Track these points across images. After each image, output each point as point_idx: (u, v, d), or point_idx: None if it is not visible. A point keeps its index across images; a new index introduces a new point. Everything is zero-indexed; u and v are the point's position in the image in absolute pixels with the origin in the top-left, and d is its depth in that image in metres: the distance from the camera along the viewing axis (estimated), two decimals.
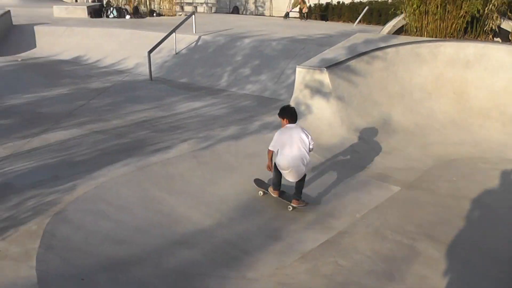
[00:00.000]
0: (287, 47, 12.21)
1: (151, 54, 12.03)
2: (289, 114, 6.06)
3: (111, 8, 21.33)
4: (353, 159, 7.74)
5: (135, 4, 22.17)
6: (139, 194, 5.83)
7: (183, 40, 13.56)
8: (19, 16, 18.50)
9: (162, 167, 6.55)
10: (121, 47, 14.60)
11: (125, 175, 6.17)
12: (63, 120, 8.46)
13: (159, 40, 12.61)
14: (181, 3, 25.57)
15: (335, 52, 9.72)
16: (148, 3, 22.75)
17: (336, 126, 8.41)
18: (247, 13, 26.74)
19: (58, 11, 21.22)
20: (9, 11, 17.47)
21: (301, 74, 8.93)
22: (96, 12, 21.14)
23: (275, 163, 6.02)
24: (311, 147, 5.91)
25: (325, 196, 6.51)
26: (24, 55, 14.81)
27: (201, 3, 28.20)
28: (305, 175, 6.05)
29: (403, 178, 7.12)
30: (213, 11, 27.84)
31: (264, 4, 26.52)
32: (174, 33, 13.12)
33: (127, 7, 22.16)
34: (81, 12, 20.99)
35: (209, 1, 28.55)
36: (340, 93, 8.73)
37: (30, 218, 4.90)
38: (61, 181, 5.87)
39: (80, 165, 6.43)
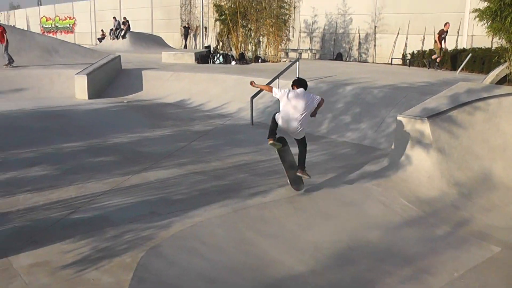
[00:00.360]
0: (388, 94, 12.20)
1: (254, 99, 12.51)
2: (298, 82, 7.42)
3: (218, 55, 22.62)
4: (452, 214, 7.46)
5: (241, 51, 23.32)
6: (233, 235, 6.01)
7: (286, 86, 13.81)
8: (129, 60, 20.32)
9: (258, 210, 6.70)
10: (225, 92, 15.35)
11: (221, 216, 6.40)
12: (164, 160, 9.00)
13: None
14: (286, 49, 26.46)
15: (437, 102, 9.58)
16: (254, 49, 23.83)
17: (435, 179, 8.20)
18: (351, 60, 27.09)
19: (166, 56, 22.97)
20: (119, 56, 19.26)
21: (401, 123, 8.87)
22: (203, 58, 22.53)
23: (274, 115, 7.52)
24: (315, 104, 7.24)
25: (423, 251, 6.33)
26: (130, 97, 16.11)
27: (305, 49, 29.04)
28: (305, 142, 7.42)
29: (504, 238, 6.79)
30: (317, 57, 28.53)
31: (368, 51, 26.77)
32: (277, 79, 13.57)
33: (233, 53, 23.39)
34: (189, 58, 22.49)
35: (313, 48, 29.33)
36: (440, 144, 8.54)
37: (125, 251, 5.23)
38: (158, 217, 6.24)
39: (178, 204, 6.79)
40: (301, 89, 7.30)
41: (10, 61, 18.29)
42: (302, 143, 7.43)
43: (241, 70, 18.38)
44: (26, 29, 48.60)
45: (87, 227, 5.88)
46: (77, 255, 5.13)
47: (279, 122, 7.34)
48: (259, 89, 10.70)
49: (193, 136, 11.08)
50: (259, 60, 23.06)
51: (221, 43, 25.12)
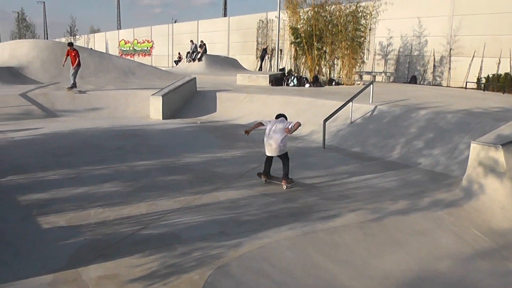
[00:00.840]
0: (462, 120, 11.82)
1: (326, 122, 12.50)
2: (278, 116, 9.31)
3: (292, 77, 22.80)
4: None
5: (315, 73, 23.40)
6: (302, 258, 6.00)
7: (359, 110, 13.87)
8: (204, 82, 20.91)
9: (327, 234, 6.66)
10: (298, 114, 15.35)
11: (290, 239, 6.41)
12: (235, 180, 9.14)
13: (335, 109, 13.11)
14: (360, 72, 26.34)
15: None
16: (328, 72, 23.86)
17: (509, 209, 7.80)
18: (425, 83, 26.57)
19: (241, 79, 23.45)
20: (194, 78, 19.89)
21: (475, 150, 8.53)
22: (277, 80, 22.79)
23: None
24: (289, 127, 8.75)
25: (495, 285, 6.08)
26: (204, 118, 16.53)
27: (379, 72, 28.80)
28: (287, 157, 9.09)
29: None
30: (391, 80, 28.20)
31: (442, 74, 26.20)
32: (350, 102, 13.48)
33: (307, 76, 23.50)
34: (263, 80, 22.83)
35: (388, 70, 29.04)
36: None
37: (193, 269, 5.35)
38: (227, 237, 6.34)
39: (247, 224, 6.88)
40: (282, 118, 9.17)
41: (73, 85, 18.36)
42: (285, 157, 9.07)
43: (315, 93, 18.42)
44: (105, 51, 51.25)
45: (157, 243, 6.06)
46: (145, 270, 5.30)
47: (265, 143, 9.13)
48: (335, 114, 11.87)
49: (264, 157, 11.10)
50: (333, 83, 23.04)
51: (295, 66, 25.35)
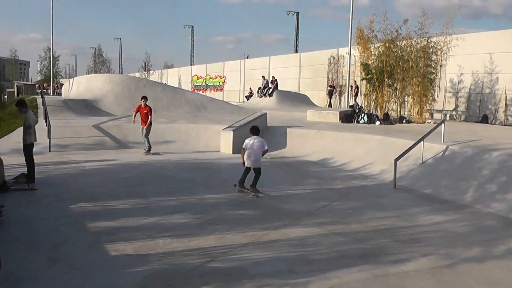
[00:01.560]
0: None
1: (397, 162, 12.23)
2: (252, 131, 11.40)
3: (362, 114, 22.63)
4: None
5: (386, 110, 23.09)
6: None
7: (430, 149, 13.49)
8: (274, 118, 21.09)
9: (398, 279, 6.42)
10: (368, 152, 15.21)
11: (360, 281, 6.24)
12: (304, 218, 9.06)
13: (406, 148, 12.81)
14: (431, 110, 25.77)
15: None
16: (398, 109, 23.49)
17: None
18: (496, 123, 25.55)
19: (311, 115, 23.52)
20: (265, 113, 20.13)
21: None
22: (348, 117, 22.70)
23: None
24: (265, 148, 11.16)
25: None
26: (274, 153, 16.60)
27: (450, 110, 28.08)
28: (260, 171, 11.00)
29: None
30: (462, 119, 27.44)
31: None
32: (422, 142, 13.14)
33: (377, 113, 23.24)
34: (333, 117, 22.78)
35: (459, 109, 28.29)
36: None
37: None
38: (295, 275, 6.27)
39: (316, 263, 6.77)
40: (257, 137, 11.21)
41: (149, 148, 16.37)
42: (257, 171, 10.95)
43: (385, 131, 18.14)
44: (178, 86, 52.86)
45: (224, 277, 6.07)
46: None
47: (245, 156, 10.99)
48: (406, 153, 12.60)
49: (334, 195, 11.04)
50: (403, 121, 22.62)
51: (366, 102, 25.16)
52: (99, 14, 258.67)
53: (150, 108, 16.53)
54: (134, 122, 17.15)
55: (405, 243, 7.92)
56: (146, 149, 16.30)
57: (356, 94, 32.96)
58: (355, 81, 32.72)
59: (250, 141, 11.05)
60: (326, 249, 7.40)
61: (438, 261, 7.15)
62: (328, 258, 7.01)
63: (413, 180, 12.60)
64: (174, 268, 6.37)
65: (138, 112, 16.65)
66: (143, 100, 16.62)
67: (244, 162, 11.05)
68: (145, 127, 16.38)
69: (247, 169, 11.01)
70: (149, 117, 16.34)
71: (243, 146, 11.11)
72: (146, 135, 16.36)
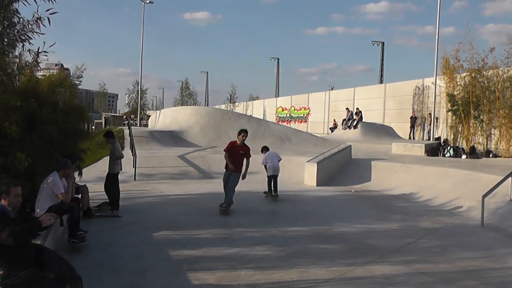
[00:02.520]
0: None
1: (485, 199, 11.64)
2: (264, 149, 14.90)
3: (448, 147, 21.89)
4: None
5: (472, 144, 22.18)
6: None
7: None
8: (359, 150, 20.84)
9: None
10: (454, 188, 14.63)
11: None
12: (390, 254, 8.80)
13: (493, 184, 12.17)
14: None
15: None
16: (485, 142, 22.49)
17: None
18: None
19: (396, 148, 23.05)
20: (350, 146, 19.94)
21: None
22: (433, 150, 22.06)
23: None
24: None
25: None
26: (358, 186, 16.37)
27: None
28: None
29: None
30: None
31: None
32: (510, 178, 12.44)
33: (463, 146, 22.37)
34: (418, 150, 22.21)
35: None
36: None
37: None
38: None
39: None
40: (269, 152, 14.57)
41: (228, 205, 11.73)
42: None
43: (472, 165, 17.39)
44: (263, 118, 53.57)
45: None
46: None
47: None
48: (493, 190, 11.72)
49: (420, 232, 10.66)
50: (490, 155, 21.57)
51: (452, 135, 24.32)
52: (187, 50, 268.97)
53: (248, 149, 12.19)
54: (232, 169, 12.01)
55: (495, 286, 7.46)
56: (224, 206, 11.74)
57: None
58: (430, 113, 31.83)
59: (269, 157, 14.50)
60: None
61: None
62: None
63: (502, 219, 11.93)
64: None
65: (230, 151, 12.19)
66: (241, 135, 12.09)
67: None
68: (235, 173, 12.04)
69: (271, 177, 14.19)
70: (247, 160, 12.15)
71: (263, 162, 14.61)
72: (233, 186, 12.00)
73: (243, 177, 12.34)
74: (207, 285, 6.93)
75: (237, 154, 12.13)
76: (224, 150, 12.49)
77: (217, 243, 9.09)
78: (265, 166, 14.46)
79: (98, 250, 8.54)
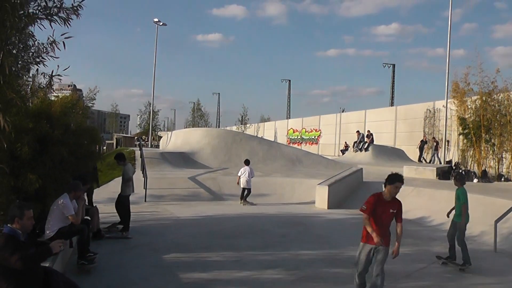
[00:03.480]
0: None
1: (498, 223, 11.49)
2: (246, 162, 17.99)
3: (460, 171, 21.65)
4: None
5: (483, 167, 21.95)
6: None
7: None
8: (370, 173, 20.68)
9: None
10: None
11: None
12: (402, 279, 8.74)
13: (506, 209, 12.04)
14: None
15: None
16: (496, 166, 22.25)
17: None
18: None
19: (407, 171, 22.87)
20: (361, 168, 19.81)
21: None
22: (445, 174, 21.89)
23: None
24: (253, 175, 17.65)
25: None
26: None
27: None
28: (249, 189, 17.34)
29: None
30: None
31: None
32: None
33: (475, 170, 22.15)
34: (430, 173, 22.03)
35: None
36: None
37: None
38: None
39: None
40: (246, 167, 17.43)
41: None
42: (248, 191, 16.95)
43: (483, 189, 17.17)
44: (274, 139, 53.59)
45: None
46: None
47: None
48: (506, 215, 11.57)
49: (432, 257, 10.49)
50: (502, 179, 21.34)
51: (463, 159, 24.14)
52: (199, 71, 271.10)
53: (401, 205, 7.47)
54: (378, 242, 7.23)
55: None
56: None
57: (436, 149, 32.11)
58: (434, 137, 32.02)
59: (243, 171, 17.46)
60: None
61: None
62: None
63: None
64: None
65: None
66: (394, 185, 7.29)
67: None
68: (384, 247, 7.28)
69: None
70: (400, 224, 7.54)
71: (239, 173, 17.67)
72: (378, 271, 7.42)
73: (395, 254, 7.38)
74: None
75: (385, 215, 7.33)
76: (361, 210, 7.32)
77: (228, 266, 8.99)
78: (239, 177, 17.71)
79: (108, 272, 8.47)
